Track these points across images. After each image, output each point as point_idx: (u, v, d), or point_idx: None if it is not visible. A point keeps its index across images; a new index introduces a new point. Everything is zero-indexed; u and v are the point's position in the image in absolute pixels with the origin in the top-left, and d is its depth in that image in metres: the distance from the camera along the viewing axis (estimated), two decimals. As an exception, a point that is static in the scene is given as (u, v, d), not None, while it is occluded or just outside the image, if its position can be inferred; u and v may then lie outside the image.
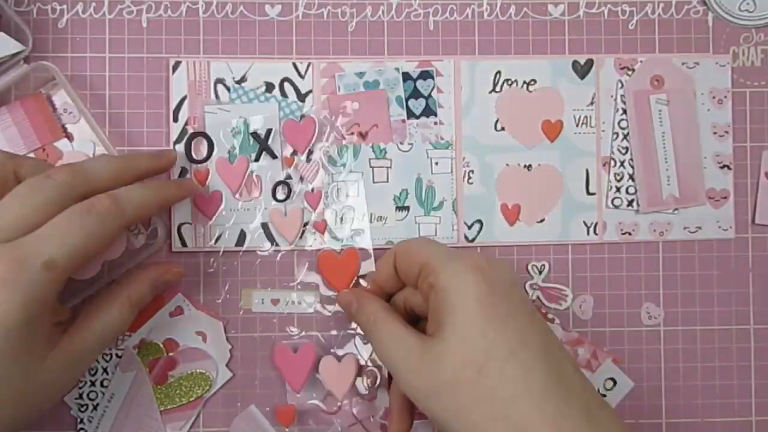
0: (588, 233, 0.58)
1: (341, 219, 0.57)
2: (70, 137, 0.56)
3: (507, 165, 0.58)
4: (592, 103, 0.59)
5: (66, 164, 0.47)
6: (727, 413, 0.59)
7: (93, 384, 0.56)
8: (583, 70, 0.59)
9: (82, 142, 0.56)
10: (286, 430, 0.56)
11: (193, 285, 0.57)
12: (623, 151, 0.59)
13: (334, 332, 0.58)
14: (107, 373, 0.56)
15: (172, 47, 0.57)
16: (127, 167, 0.50)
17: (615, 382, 0.58)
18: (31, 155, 0.55)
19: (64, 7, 0.57)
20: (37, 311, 0.43)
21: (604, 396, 0.58)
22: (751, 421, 0.59)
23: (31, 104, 0.55)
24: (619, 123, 0.59)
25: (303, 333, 0.57)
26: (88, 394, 0.56)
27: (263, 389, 0.57)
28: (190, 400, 0.56)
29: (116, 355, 0.56)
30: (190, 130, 0.56)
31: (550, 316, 0.58)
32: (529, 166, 0.58)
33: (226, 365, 0.57)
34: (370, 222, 0.57)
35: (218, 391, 0.57)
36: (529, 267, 0.58)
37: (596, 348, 0.58)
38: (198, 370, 0.56)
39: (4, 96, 0.55)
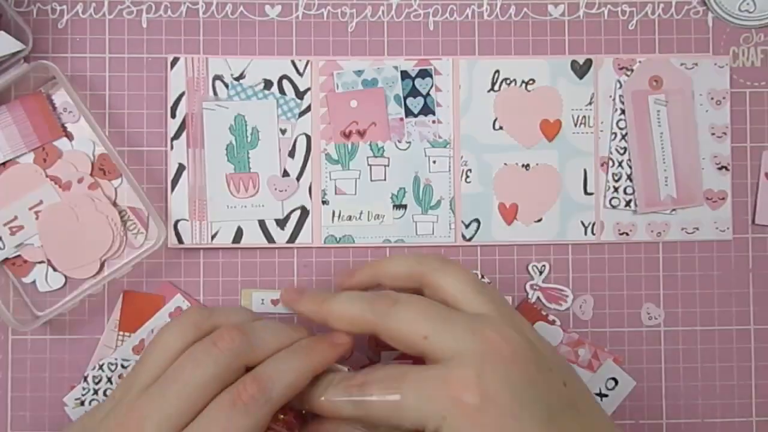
0: (585, 233, 0.58)
1: (339, 217, 0.57)
2: (69, 136, 0.56)
3: (505, 164, 0.58)
4: (590, 103, 0.59)
5: (234, 327, 0.44)
6: (728, 414, 0.59)
7: (96, 393, 0.56)
8: (581, 70, 0.59)
9: (82, 141, 0.56)
10: None
11: (193, 285, 0.57)
12: (621, 151, 0.58)
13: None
14: (111, 383, 0.56)
15: (172, 47, 0.57)
16: (299, 346, 0.46)
17: (617, 382, 0.58)
18: (31, 155, 0.55)
19: (64, 7, 0.57)
20: None
21: (606, 396, 0.58)
22: (752, 421, 0.59)
23: (31, 103, 0.56)
24: (617, 123, 0.59)
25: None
26: (90, 402, 0.56)
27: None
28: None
29: (121, 365, 0.56)
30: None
31: (550, 317, 0.58)
32: (527, 165, 0.58)
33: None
34: (368, 220, 0.57)
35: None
36: (530, 267, 0.58)
37: (597, 348, 0.58)
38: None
39: (4, 95, 0.56)
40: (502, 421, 0.40)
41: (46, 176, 0.56)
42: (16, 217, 0.56)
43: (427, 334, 0.43)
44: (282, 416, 0.46)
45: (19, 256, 0.56)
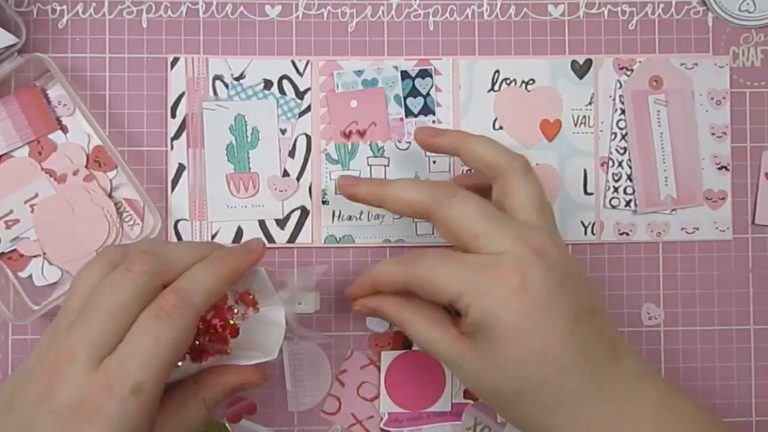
0: (585, 233, 0.58)
1: (339, 217, 0.57)
2: (64, 129, 0.56)
3: (505, 164, 0.58)
4: (590, 103, 0.59)
5: (145, 251, 0.45)
6: (727, 413, 0.59)
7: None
8: (581, 70, 0.59)
9: (77, 134, 0.56)
10: None
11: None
12: (621, 151, 0.59)
13: (334, 332, 0.58)
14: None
15: (172, 47, 0.57)
16: (215, 257, 0.47)
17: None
18: (26, 148, 0.56)
19: (64, 7, 0.57)
20: None
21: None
22: (752, 421, 0.59)
23: (26, 97, 0.56)
24: (617, 123, 0.59)
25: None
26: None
27: (263, 389, 0.57)
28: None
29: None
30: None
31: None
32: (528, 165, 0.58)
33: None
34: (368, 220, 0.57)
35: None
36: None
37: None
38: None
39: (2, 90, 0.56)
40: (534, 310, 0.44)
41: (42, 169, 0.56)
42: (11, 211, 0.56)
43: (479, 233, 0.46)
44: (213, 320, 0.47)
45: (15, 250, 0.56)
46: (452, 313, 0.49)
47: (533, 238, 0.46)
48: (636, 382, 0.46)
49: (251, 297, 0.49)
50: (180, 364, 0.45)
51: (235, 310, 0.48)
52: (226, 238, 0.57)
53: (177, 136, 0.57)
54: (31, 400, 0.40)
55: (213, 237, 0.57)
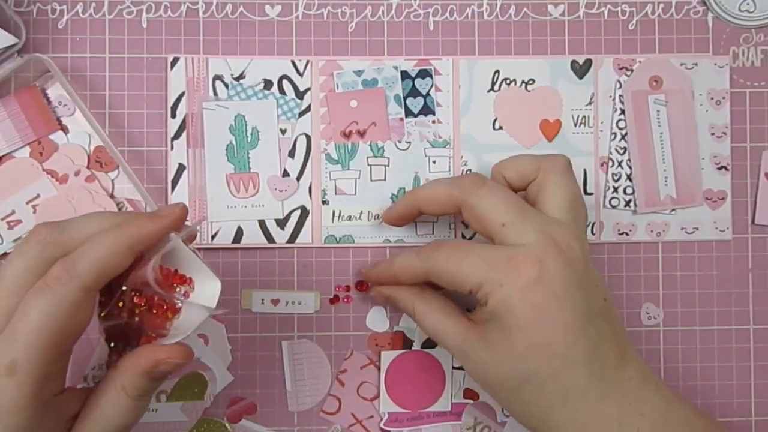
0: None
1: (339, 217, 0.57)
2: (65, 130, 0.56)
3: (505, 164, 0.58)
4: (590, 103, 0.59)
5: (45, 222, 0.43)
6: (727, 413, 0.59)
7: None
8: (581, 70, 0.59)
9: (78, 134, 0.56)
10: None
11: (192, 284, 0.57)
12: (621, 151, 0.59)
13: (334, 332, 0.58)
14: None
15: (172, 47, 0.57)
16: (115, 223, 0.43)
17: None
18: (27, 148, 0.56)
19: (64, 7, 0.57)
20: (14, 423, 0.39)
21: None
22: (751, 421, 0.59)
23: (26, 97, 0.56)
24: (617, 123, 0.59)
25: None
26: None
27: (263, 389, 0.57)
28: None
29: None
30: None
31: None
32: (528, 165, 0.58)
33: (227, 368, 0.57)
34: (368, 220, 0.57)
35: (218, 393, 0.57)
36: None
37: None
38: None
39: (2, 91, 0.56)
40: (549, 304, 0.45)
41: (43, 170, 0.56)
42: (13, 212, 0.56)
43: (504, 221, 0.47)
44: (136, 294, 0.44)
45: (16, 250, 0.56)
46: (465, 305, 0.51)
47: (557, 232, 0.47)
48: (640, 387, 0.47)
49: (175, 271, 0.45)
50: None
51: (178, 289, 0.45)
52: (226, 238, 0.57)
53: (177, 136, 0.57)
54: None
55: (213, 237, 0.57)
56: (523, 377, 0.46)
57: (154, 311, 0.44)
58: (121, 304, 0.44)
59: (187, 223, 0.46)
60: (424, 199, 0.52)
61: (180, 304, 0.45)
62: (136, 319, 0.44)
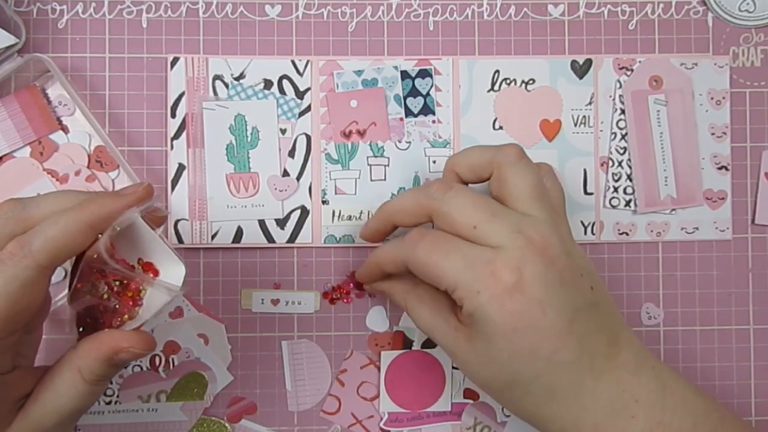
0: (585, 233, 0.58)
1: (339, 217, 0.57)
2: (65, 129, 0.56)
3: (505, 164, 0.58)
4: (590, 103, 0.59)
5: (8, 199, 0.43)
6: (727, 413, 0.59)
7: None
8: (581, 70, 0.59)
9: (78, 134, 0.56)
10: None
11: (193, 284, 0.57)
12: (621, 151, 0.59)
13: (334, 332, 0.58)
14: (111, 382, 0.56)
15: (172, 47, 0.57)
16: (77, 202, 0.43)
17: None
18: (27, 148, 0.56)
19: (64, 7, 0.57)
20: None
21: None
22: (751, 420, 0.59)
23: (26, 97, 0.56)
24: (617, 123, 0.59)
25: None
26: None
27: (263, 389, 0.57)
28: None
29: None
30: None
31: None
32: (528, 165, 0.58)
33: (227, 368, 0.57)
34: (368, 220, 0.57)
35: (218, 393, 0.57)
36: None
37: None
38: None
39: (2, 91, 0.56)
40: (531, 309, 0.44)
41: (43, 170, 0.56)
42: (13, 211, 0.56)
43: (476, 224, 0.46)
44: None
45: (18, 250, 0.56)
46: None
47: (533, 230, 0.45)
48: (635, 371, 0.46)
49: (141, 259, 0.45)
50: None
51: (137, 269, 0.45)
52: (226, 238, 0.57)
53: (177, 136, 0.57)
54: None
55: (213, 237, 0.57)
56: (509, 380, 0.46)
57: (115, 290, 0.44)
58: (79, 285, 0.43)
59: (158, 205, 0.46)
60: (394, 212, 0.51)
61: (142, 285, 0.45)
62: (101, 301, 0.44)
